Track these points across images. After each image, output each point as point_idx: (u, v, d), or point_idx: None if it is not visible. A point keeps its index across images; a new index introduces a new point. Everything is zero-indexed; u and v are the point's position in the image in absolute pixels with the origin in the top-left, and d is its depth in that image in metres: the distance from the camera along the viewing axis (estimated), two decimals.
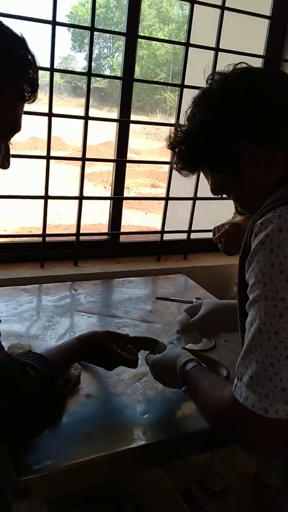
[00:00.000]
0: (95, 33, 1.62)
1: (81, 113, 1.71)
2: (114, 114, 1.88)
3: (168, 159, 1.89)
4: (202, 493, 1.87)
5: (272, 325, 0.69)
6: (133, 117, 1.85)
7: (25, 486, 0.88)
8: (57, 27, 1.54)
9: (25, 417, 0.92)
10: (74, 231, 1.83)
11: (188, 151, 0.90)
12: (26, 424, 0.94)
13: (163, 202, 1.98)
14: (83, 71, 1.77)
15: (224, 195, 0.94)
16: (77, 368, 1.18)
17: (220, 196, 0.95)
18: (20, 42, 0.72)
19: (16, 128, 0.76)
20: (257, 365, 0.71)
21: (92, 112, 1.69)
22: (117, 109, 1.83)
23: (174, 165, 0.96)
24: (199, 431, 1.06)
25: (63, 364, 1.08)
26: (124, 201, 1.96)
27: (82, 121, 1.70)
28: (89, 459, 0.95)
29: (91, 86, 1.66)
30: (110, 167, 1.82)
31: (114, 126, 1.84)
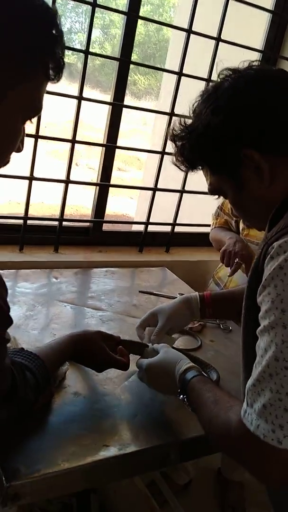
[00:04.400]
0: (68, 6, 1.53)
1: (63, 90, 1.61)
2: (94, 95, 1.79)
3: (134, 143, 1.83)
4: (167, 487, 1.87)
5: None
6: (100, 96, 1.78)
7: (15, 492, 0.83)
8: None
9: (17, 420, 0.86)
10: (56, 214, 1.75)
11: (190, 149, 0.86)
12: (16, 425, 0.88)
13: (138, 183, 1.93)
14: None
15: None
16: (65, 364, 1.13)
17: (217, 197, 0.93)
18: (52, 17, 0.64)
19: (40, 110, 0.69)
20: (272, 394, 0.68)
21: (63, 88, 1.59)
22: (93, 89, 1.75)
23: (173, 159, 0.91)
24: (195, 437, 1.03)
25: (55, 363, 1.03)
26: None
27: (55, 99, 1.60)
28: (80, 464, 0.90)
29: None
30: (77, 145, 1.72)
31: (91, 109, 1.75)
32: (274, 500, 0.89)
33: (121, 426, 1.02)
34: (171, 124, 0.89)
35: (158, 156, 1.85)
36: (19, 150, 0.71)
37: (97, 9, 1.52)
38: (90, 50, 1.57)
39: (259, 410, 0.69)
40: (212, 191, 0.91)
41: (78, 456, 0.91)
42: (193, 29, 1.74)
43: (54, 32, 0.64)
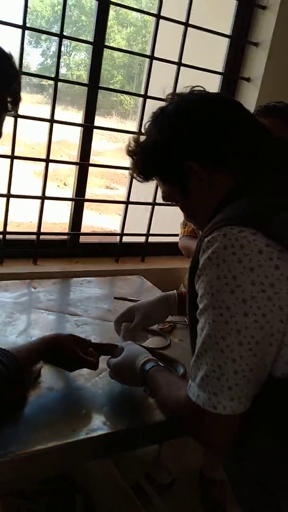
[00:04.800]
0: (53, 30, 1.67)
1: (40, 111, 1.74)
2: (69, 113, 1.93)
3: (124, 161, 1.96)
4: (150, 487, 1.95)
5: (219, 331, 0.77)
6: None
7: None
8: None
9: None
10: (34, 229, 1.87)
11: (142, 163, 0.99)
12: None
13: (120, 204, 2.06)
14: (40, 68, 1.80)
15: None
16: (39, 362, 1.23)
17: (172, 203, 1.04)
18: (6, 57, 0.77)
19: (1, 135, 0.82)
20: (207, 367, 0.78)
21: (47, 110, 1.71)
22: (72, 108, 1.88)
23: (131, 171, 1.04)
24: (156, 422, 1.13)
25: (26, 359, 1.12)
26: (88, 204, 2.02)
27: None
28: (51, 446, 1.00)
29: (45, 86, 1.71)
30: (65, 166, 1.86)
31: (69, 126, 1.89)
32: (230, 476, 0.98)
33: (90, 415, 1.12)
34: (128, 142, 1.02)
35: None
36: None
37: (80, 32, 1.66)
38: (77, 71, 1.71)
39: (199, 382, 0.80)
40: (165, 198, 1.03)
41: (49, 440, 1.01)
42: (158, 54, 1.89)
43: (9, 72, 0.77)
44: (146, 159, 0.98)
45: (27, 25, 1.59)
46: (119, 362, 1.16)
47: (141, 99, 1.93)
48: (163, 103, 0.99)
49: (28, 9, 1.57)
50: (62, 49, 1.67)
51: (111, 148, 11.30)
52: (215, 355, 0.77)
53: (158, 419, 1.13)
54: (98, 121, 1.91)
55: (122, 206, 2.11)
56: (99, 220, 7.41)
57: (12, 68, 0.78)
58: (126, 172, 1.97)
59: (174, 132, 0.93)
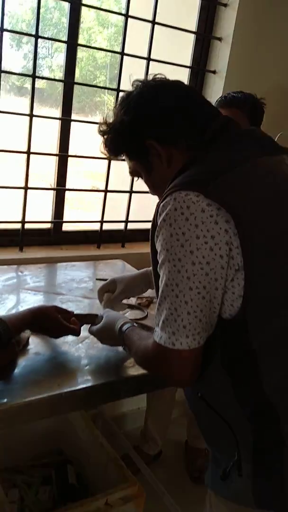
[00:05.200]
0: (33, 33, 1.79)
1: (23, 111, 1.88)
2: (54, 113, 2.06)
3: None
4: (139, 457, 2.08)
5: (174, 280, 0.89)
6: (73, 117, 2.05)
7: None
8: None
9: None
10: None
11: (111, 141, 1.12)
12: None
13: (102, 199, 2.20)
14: (22, 71, 1.94)
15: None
16: (27, 331, 1.36)
17: (137, 179, 1.17)
18: None
19: None
20: (166, 311, 0.91)
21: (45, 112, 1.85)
22: (56, 109, 2.01)
23: (101, 149, 1.16)
24: (132, 376, 1.28)
25: (16, 328, 1.25)
26: (65, 201, 2.15)
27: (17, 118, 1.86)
28: (39, 397, 1.14)
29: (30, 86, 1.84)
30: (49, 166, 2.02)
31: (55, 127, 2.02)
32: (192, 407, 1.11)
33: (74, 373, 1.26)
34: (99, 122, 1.15)
35: (111, 163, 2.14)
36: None
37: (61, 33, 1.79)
38: (59, 73, 1.83)
39: (160, 325, 0.93)
40: (131, 173, 1.16)
41: (36, 393, 1.14)
42: (135, 52, 2.04)
43: None
44: (114, 137, 1.11)
45: (9, 28, 1.71)
46: (101, 327, 1.30)
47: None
48: None
49: (8, 12, 1.69)
50: (44, 51, 1.81)
51: (96, 146, 11.42)
52: (171, 300, 0.90)
53: (135, 374, 1.28)
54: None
55: (111, 201, 2.25)
56: (86, 218, 7.53)
57: None
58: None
59: (136, 113, 1.05)
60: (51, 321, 1.32)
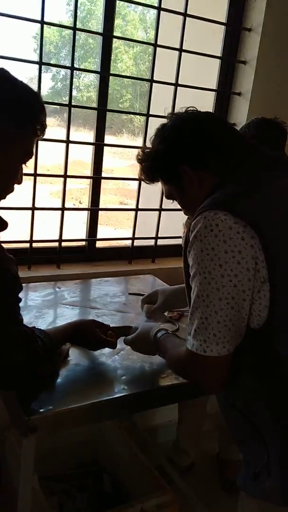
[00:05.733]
0: (61, 54, 1.93)
1: (54, 133, 2.00)
2: (82, 134, 2.17)
3: (135, 176, 2.20)
4: (173, 468, 2.14)
5: (205, 291, 0.97)
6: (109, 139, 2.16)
7: (33, 424, 1.15)
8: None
9: (32, 373, 1.19)
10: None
11: (148, 168, 1.24)
12: (33, 379, 1.21)
13: (132, 217, 2.31)
14: (51, 91, 2.07)
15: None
16: (67, 344, 1.46)
17: (172, 202, 1.28)
18: (35, 95, 1.03)
19: (32, 155, 1.08)
20: (197, 320, 0.99)
21: (60, 131, 1.96)
22: (83, 129, 2.13)
23: (139, 176, 1.29)
24: (167, 386, 1.36)
25: (57, 337, 1.35)
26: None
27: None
28: (81, 405, 1.23)
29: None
30: (79, 185, 2.12)
31: (81, 147, 2.14)
32: (223, 413, 1.18)
33: (112, 382, 1.35)
34: (138, 152, 1.27)
35: (141, 183, 2.25)
36: (19, 182, 1.10)
37: (88, 54, 1.93)
38: (86, 93, 1.97)
39: (192, 334, 1.01)
40: (167, 196, 1.27)
41: (79, 401, 1.24)
42: (160, 76, 2.16)
43: (39, 106, 1.03)
44: (150, 165, 1.22)
45: (36, 51, 1.84)
46: (136, 335, 1.40)
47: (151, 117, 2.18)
48: (164, 120, 1.23)
49: (35, 35, 1.83)
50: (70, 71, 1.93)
51: (123, 165, 11.67)
52: (202, 310, 0.98)
53: (169, 383, 1.36)
54: (110, 139, 2.14)
55: (139, 218, 2.36)
56: (114, 235, 7.71)
57: (39, 103, 1.04)
58: (136, 186, 2.23)
59: (170, 142, 1.17)
60: (90, 334, 1.42)
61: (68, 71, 1.95)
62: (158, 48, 2.12)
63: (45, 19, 1.82)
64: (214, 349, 0.98)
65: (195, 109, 1.23)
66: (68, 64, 1.94)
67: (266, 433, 1.02)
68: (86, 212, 2.27)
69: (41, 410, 1.18)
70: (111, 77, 2.07)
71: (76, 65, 1.94)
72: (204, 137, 1.14)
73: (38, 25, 1.85)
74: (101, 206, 2.26)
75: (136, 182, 2.28)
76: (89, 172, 2.17)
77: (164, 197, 2.09)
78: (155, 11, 2.06)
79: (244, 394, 1.05)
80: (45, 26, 1.86)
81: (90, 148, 2.15)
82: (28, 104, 1.03)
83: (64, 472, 2.09)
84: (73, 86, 1.99)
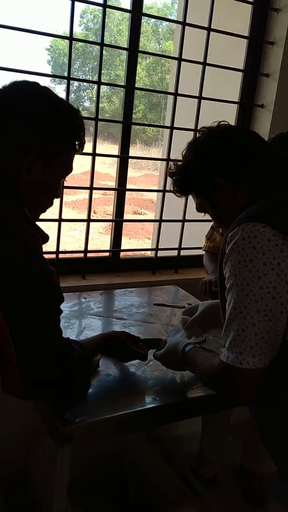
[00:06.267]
0: (75, 66, 1.97)
1: None
2: (100, 146, 2.20)
3: (147, 187, 2.22)
4: (197, 480, 2.13)
5: (242, 303, 0.96)
6: (111, 147, 2.19)
7: (69, 434, 1.17)
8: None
9: (69, 386, 1.21)
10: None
11: (180, 181, 1.24)
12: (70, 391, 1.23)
13: (147, 227, 2.32)
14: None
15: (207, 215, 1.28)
16: (98, 355, 1.48)
17: (203, 214, 1.28)
18: (76, 112, 1.06)
19: (71, 171, 1.11)
20: (234, 332, 0.98)
21: None
22: (102, 139, 2.15)
23: (171, 189, 1.29)
24: (197, 397, 1.37)
25: (90, 349, 1.35)
26: (109, 228, 2.28)
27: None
28: (115, 415, 1.24)
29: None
30: (94, 195, 2.16)
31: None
32: (258, 423, 1.18)
33: (143, 393, 1.36)
34: (169, 165, 1.28)
35: (165, 194, 2.28)
36: (58, 196, 1.12)
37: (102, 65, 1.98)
38: (100, 104, 2.01)
39: (228, 346, 1.00)
40: (198, 208, 1.28)
41: (112, 411, 1.25)
42: (181, 90, 2.19)
43: (79, 123, 1.06)
44: (183, 178, 1.23)
45: (51, 62, 1.88)
46: (164, 352, 1.40)
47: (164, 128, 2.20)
48: (186, 132, 1.24)
49: (50, 47, 1.87)
50: (84, 84, 1.97)
51: (136, 175, 11.76)
52: (239, 322, 0.97)
53: (199, 395, 1.37)
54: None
55: (151, 230, 2.37)
56: (129, 245, 7.77)
57: (79, 119, 1.07)
58: (153, 197, 2.26)
59: (204, 155, 1.18)
60: (121, 346, 1.43)
61: (80, 83, 1.97)
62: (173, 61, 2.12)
63: (58, 31, 1.85)
64: (250, 362, 0.97)
65: (227, 123, 1.25)
66: (83, 75, 1.97)
67: None
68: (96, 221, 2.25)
69: (77, 420, 1.19)
70: (117, 87, 2.08)
71: (89, 77, 1.97)
72: (238, 150, 1.16)
73: (51, 37, 1.88)
74: (113, 215, 2.27)
75: (149, 192, 2.30)
76: (103, 183, 2.20)
77: (190, 209, 2.11)
78: (167, 23, 2.08)
79: (283, 407, 1.05)
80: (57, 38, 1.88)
81: (102, 159, 2.17)
82: (69, 120, 1.06)
83: (89, 483, 2.10)
84: (86, 98, 2.02)
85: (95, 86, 2.01)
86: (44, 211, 1.14)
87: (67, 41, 1.89)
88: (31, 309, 1.00)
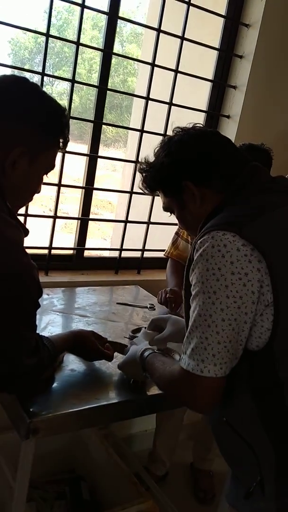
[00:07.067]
0: (36, 61, 1.98)
1: None
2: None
3: (105, 187, 2.21)
4: (149, 476, 2.16)
5: (208, 310, 0.94)
6: (73, 145, 2.19)
7: (35, 427, 1.18)
8: None
9: (39, 379, 1.22)
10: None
11: (150, 179, 1.24)
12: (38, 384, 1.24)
13: (105, 228, 2.36)
14: None
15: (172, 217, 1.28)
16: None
17: (169, 215, 1.29)
18: (62, 110, 1.08)
19: (54, 167, 1.12)
20: (197, 339, 0.95)
21: None
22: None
23: (140, 184, 1.29)
24: (156, 395, 1.40)
25: (60, 348, 1.36)
26: (64, 226, 2.30)
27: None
28: (81, 409, 1.26)
29: None
30: (51, 192, 2.14)
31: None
32: (215, 430, 1.18)
33: (106, 388, 1.39)
34: (140, 160, 1.28)
35: (128, 196, 2.31)
36: (39, 192, 1.13)
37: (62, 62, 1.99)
38: (60, 101, 1.98)
39: (189, 353, 0.97)
40: (165, 208, 1.28)
41: (77, 405, 1.27)
42: (151, 95, 2.23)
43: (65, 121, 1.08)
44: (153, 176, 1.22)
45: (10, 55, 1.87)
46: (125, 359, 1.40)
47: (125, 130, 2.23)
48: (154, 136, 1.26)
49: (11, 40, 1.85)
50: (45, 79, 1.94)
51: (97, 174, 11.72)
52: (203, 329, 0.95)
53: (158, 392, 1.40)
54: (82, 149, 2.17)
55: (110, 230, 2.40)
56: (87, 245, 7.72)
57: (65, 117, 1.09)
58: (109, 198, 2.29)
59: (176, 157, 1.17)
60: (89, 345, 1.44)
61: (44, 78, 1.93)
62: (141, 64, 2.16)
63: (21, 25, 1.80)
64: (211, 370, 0.95)
65: (201, 125, 1.25)
66: (46, 70, 1.94)
67: (260, 453, 1.02)
68: (51, 220, 2.19)
69: (43, 413, 1.20)
70: (85, 88, 2.12)
71: (50, 72, 1.97)
72: (210, 156, 1.16)
73: (14, 30, 1.83)
74: (72, 215, 2.26)
75: (105, 193, 2.34)
76: (70, 183, 2.21)
77: (150, 210, 2.15)
78: (131, 26, 2.13)
79: (240, 413, 1.04)
80: (19, 31, 1.88)
81: (76, 162, 2.18)
82: (55, 118, 1.07)
83: (40, 478, 2.09)
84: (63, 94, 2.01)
85: (55, 83, 2.01)
86: (23, 205, 1.15)
87: (29, 35, 1.89)
88: (14, 302, 1.01)
